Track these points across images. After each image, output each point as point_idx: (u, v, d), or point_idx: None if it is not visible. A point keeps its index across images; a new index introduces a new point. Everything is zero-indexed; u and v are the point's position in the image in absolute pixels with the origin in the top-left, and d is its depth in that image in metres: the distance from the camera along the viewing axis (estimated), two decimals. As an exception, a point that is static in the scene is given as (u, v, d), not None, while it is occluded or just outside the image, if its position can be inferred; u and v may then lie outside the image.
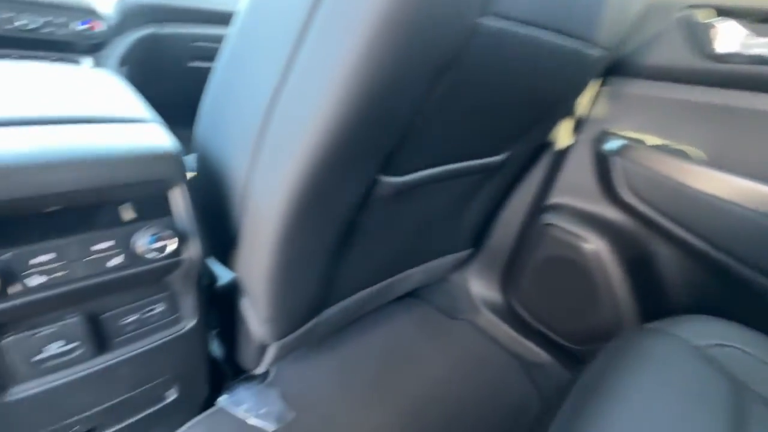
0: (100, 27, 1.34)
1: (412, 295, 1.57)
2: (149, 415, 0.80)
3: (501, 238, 1.31)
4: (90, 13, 1.31)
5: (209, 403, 1.01)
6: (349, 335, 1.30)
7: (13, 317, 0.48)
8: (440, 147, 0.72)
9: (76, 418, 0.66)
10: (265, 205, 0.59)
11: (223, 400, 1.06)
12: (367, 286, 0.98)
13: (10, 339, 0.51)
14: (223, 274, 0.77)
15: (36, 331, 0.53)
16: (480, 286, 1.43)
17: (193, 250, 0.59)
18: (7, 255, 0.44)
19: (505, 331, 1.37)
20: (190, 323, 0.72)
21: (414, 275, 1.15)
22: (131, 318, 0.62)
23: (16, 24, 1.16)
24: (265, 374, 1.14)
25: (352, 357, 1.23)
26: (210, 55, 1.65)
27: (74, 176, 0.46)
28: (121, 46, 1.47)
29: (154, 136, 0.55)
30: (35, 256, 0.46)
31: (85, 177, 0.47)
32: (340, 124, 0.48)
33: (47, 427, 0.64)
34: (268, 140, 0.56)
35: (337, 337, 1.28)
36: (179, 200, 0.56)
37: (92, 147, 0.48)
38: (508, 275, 1.35)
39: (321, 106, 0.48)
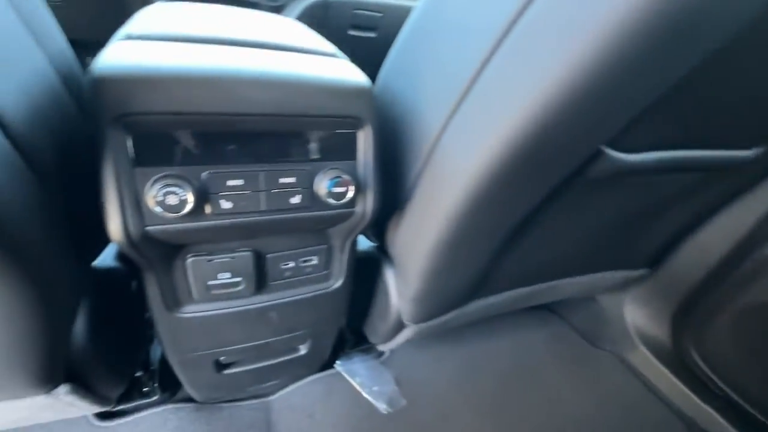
0: (282, -10, 1.41)
1: (547, 307, 1.36)
2: (280, 362, 0.81)
3: (691, 264, 1.01)
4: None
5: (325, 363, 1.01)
6: (472, 334, 1.18)
7: (202, 238, 0.48)
8: (682, 123, 0.53)
9: (225, 348, 0.68)
10: (451, 172, 0.49)
11: (340, 365, 1.05)
12: (520, 286, 0.83)
13: (192, 259, 0.51)
14: (361, 240, 0.72)
15: (213, 257, 0.53)
16: (642, 317, 1.15)
17: (369, 203, 0.53)
18: (209, 172, 0.42)
19: (669, 382, 1.09)
20: (337, 283, 0.68)
21: (570, 285, 0.95)
22: (290, 264, 0.60)
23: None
24: (381, 351, 1.10)
25: (473, 360, 1.10)
26: (369, 25, 1.64)
27: (276, 98, 0.42)
28: (296, 9, 1.55)
29: (350, 71, 0.49)
30: (230, 178, 0.44)
31: (285, 100, 0.43)
32: (566, 94, 0.35)
33: (201, 350, 0.67)
34: (471, 102, 0.46)
35: (460, 333, 1.17)
36: (366, 144, 0.50)
37: (295, 72, 0.44)
38: (688, 312, 1.05)
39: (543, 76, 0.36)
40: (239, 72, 0.41)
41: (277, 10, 1.56)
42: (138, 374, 0.86)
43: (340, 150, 0.49)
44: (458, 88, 0.46)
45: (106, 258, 0.68)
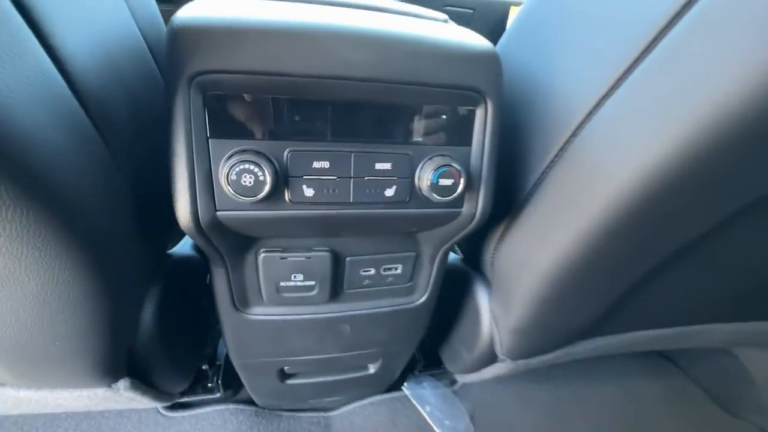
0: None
1: (663, 354, 1.11)
2: (346, 379, 0.73)
3: None
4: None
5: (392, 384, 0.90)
6: (564, 374, 0.99)
7: (277, 230, 0.41)
8: None
9: (291, 358, 0.61)
10: (593, 175, 0.36)
11: (408, 389, 0.94)
12: (650, 327, 0.65)
13: (265, 255, 0.45)
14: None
15: (287, 255, 0.45)
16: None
17: (480, 203, 0.42)
18: (292, 149, 0.35)
19: None
20: (421, 298, 0.57)
21: (711, 333, 0.74)
22: (370, 271, 0.51)
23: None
24: (454, 379, 0.97)
25: (565, 405, 0.92)
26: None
27: (379, 59, 0.33)
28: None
29: (470, 35, 0.38)
30: (316, 159, 0.35)
31: (390, 63, 0.34)
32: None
33: (265, 357, 0.60)
34: (637, 85, 0.33)
35: (551, 374, 0.99)
36: (485, 126, 0.38)
37: (404, 31, 0.35)
38: None
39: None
40: (338, 28, 0.33)
41: None
42: (203, 367, 0.84)
43: (452, 132, 0.38)
44: (617, 63, 0.33)
45: (184, 246, 0.65)
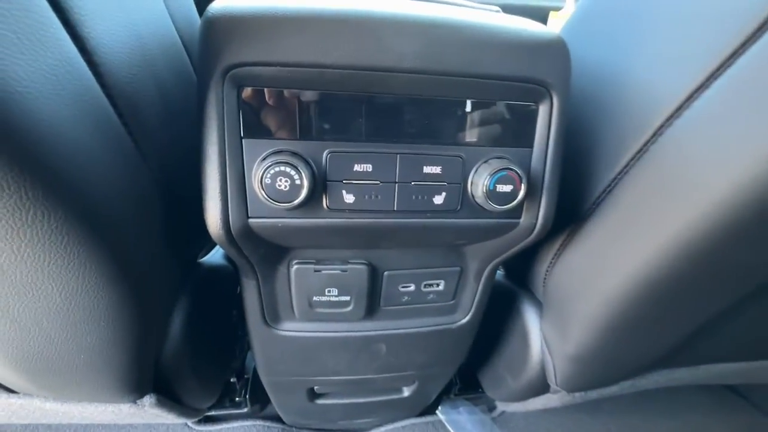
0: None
1: (733, 389, 0.99)
2: (378, 401, 0.68)
3: None
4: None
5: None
6: (617, 405, 0.89)
7: (312, 240, 0.37)
8: None
9: (321, 377, 0.57)
10: (683, 182, 0.30)
11: (443, 414, 0.87)
12: (730, 360, 0.56)
13: (297, 267, 0.41)
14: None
15: (321, 267, 0.42)
16: None
17: (542, 213, 0.37)
18: (331, 151, 0.31)
19: None
20: (464, 318, 0.52)
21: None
22: (410, 287, 0.47)
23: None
24: (493, 405, 0.90)
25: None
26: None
27: (432, 49, 0.30)
28: None
29: (532, 24, 0.34)
30: (357, 162, 0.32)
31: (444, 52, 0.30)
32: None
33: (295, 375, 0.56)
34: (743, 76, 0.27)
35: (601, 405, 0.90)
36: (550, 125, 0.33)
37: (459, 18, 0.31)
38: None
39: None
40: (385, 14, 0.29)
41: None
42: (231, 380, 0.81)
43: (511, 132, 0.33)
44: (718, 49, 0.28)
45: (215, 255, 0.63)
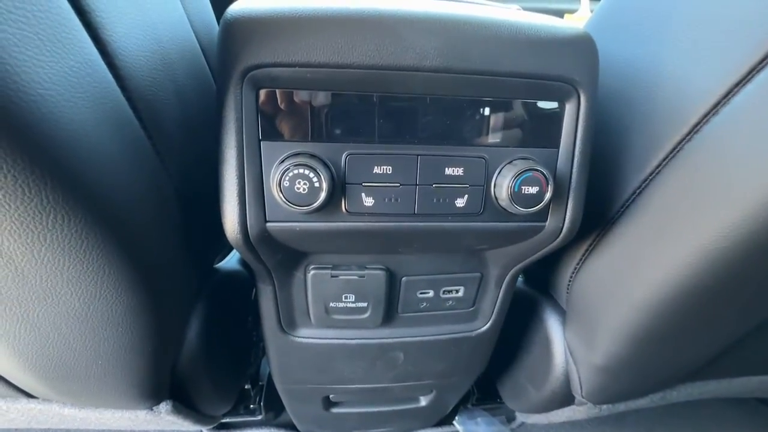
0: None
1: (766, 402, 0.94)
2: (394, 411, 0.66)
3: None
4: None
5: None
6: (641, 418, 0.86)
7: (330, 245, 0.37)
8: None
9: (337, 386, 0.56)
10: (723, 182, 0.28)
11: (460, 424, 0.85)
12: (764, 372, 0.53)
13: (314, 272, 0.40)
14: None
15: (338, 272, 0.41)
16: None
17: (569, 216, 0.35)
18: (351, 152, 0.31)
19: None
20: (484, 325, 0.50)
21: None
22: (428, 293, 0.45)
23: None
24: (512, 415, 0.87)
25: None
26: None
27: (454, 46, 0.29)
28: None
29: (557, 21, 0.33)
30: (377, 163, 0.31)
31: (467, 49, 0.29)
32: None
33: (310, 383, 0.56)
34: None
35: (625, 416, 0.86)
36: (577, 124, 0.32)
37: (482, 15, 0.30)
38: None
39: None
40: (406, 12, 0.29)
41: None
42: (246, 387, 0.81)
43: (536, 131, 0.32)
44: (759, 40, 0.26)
45: (231, 260, 0.63)
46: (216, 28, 0.51)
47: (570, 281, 0.48)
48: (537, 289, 0.58)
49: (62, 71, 0.21)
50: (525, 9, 0.37)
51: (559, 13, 1.48)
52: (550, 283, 0.53)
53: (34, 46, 0.20)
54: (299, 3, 0.29)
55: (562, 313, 0.52)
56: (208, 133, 0.34)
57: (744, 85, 0.28)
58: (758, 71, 0.27)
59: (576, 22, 1.16)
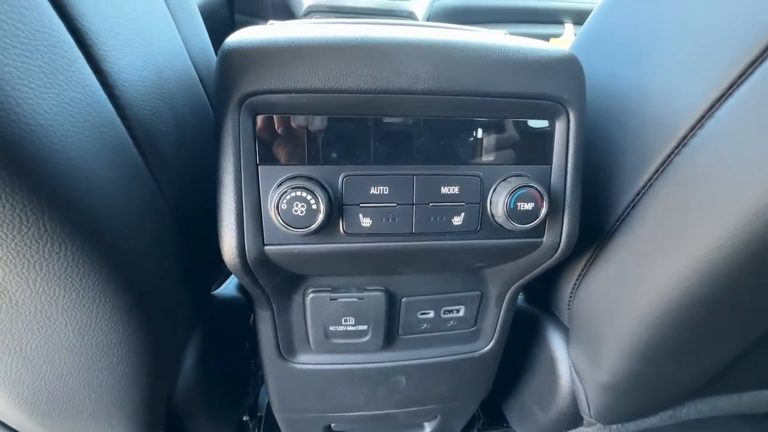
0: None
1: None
2: (398, 438, 0.64)
3: None
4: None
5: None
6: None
7: (328, 267, 0.37)
8: None
9: (338, 414, 0.54)
10: (719, 190, 0.29)
11: (466, 451, 0.82)
12: (776, 387, 0.52)
13: (313, 295, 0.40)
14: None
15: (337, 295, 0.40)
16: None
17: (566, 231, 0.35)
18: (347, 174, 0.31)
19: None
20: (486, 345, 0.50)
21: None
22: (429, 314, 0.45)
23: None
24: (520, 440, 0.84)
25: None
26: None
27: (446, 70, 0.30)
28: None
29: (543, 44, 0.34)
30: (374, 184, 0.31)
31: (458, 72, 0.30)
32: None
33: (311, 412, 0.54)
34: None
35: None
36: (567, 141, 0.33)
37: (473, 40, 0.31)
38: None
39: None
40: (397, 39, 0.30)
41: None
42: (244, 418, 0.78)
43: (528, 149, 0.33)
44: (739, 55, 0.28)
45: (228, 287, 0.62)
46: (213, 57, 0.53)
47: (571, 297, 0.47)
48: (539, 306, 0.57)
49: (63, 102, 0.21)
50: (512, 34, 0.38)
51: (545, 38, 1.55)
52: (552, 301, 0.53)
53: (37, 79, 0.20)
54: (294, 33, 0.30)
55: (565, 331, 0.52)
56: (206, 160, 0.34)
57: (726, 99, 0.29)
58: (738, 85, 0.28)
59: (561, 45, 1.20)
